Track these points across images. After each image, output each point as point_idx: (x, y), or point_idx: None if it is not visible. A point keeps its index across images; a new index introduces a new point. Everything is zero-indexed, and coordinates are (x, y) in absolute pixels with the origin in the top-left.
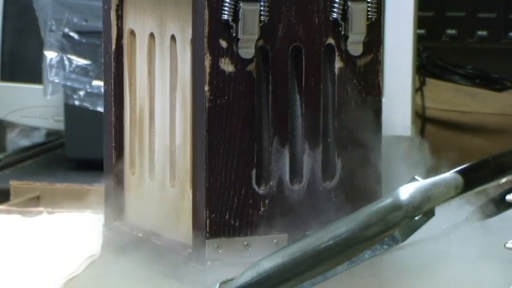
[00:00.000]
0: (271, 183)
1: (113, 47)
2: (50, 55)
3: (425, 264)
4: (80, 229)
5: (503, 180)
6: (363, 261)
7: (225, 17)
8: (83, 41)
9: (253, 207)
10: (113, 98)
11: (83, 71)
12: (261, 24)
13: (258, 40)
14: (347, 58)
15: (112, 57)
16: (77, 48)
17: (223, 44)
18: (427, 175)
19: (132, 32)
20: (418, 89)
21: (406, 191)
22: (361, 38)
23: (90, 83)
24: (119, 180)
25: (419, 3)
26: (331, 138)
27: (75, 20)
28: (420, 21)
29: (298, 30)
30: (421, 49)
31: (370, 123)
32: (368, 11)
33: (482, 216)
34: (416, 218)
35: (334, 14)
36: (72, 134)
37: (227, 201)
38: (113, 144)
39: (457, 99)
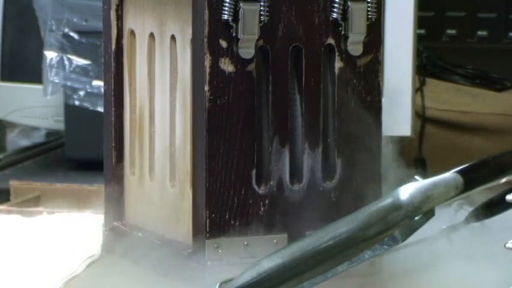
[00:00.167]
0: (271, 183)
1: (113, 47)
2: (50, 55)
3: (425, 264)
4: (80, 229)
5: (503, 180)
6: (363, 261)
7: (225, 17)
8: (83, 41)
9: (253, 207)
10: (113, 98)
11: (83, 71)
12: (261, 24)
13: (258, 40)
14: (347, 58)
15: (112, 57)
16: (77, 48)
17: (223, 44)
18: (427, 175)
19: (132, 32)
20: (418, 89)
21: (406, 191)
22: (361, 38)
23: (90, 83)
24: (119, 180)
25: (419, 3)
26: (331, 138)
27: (75, 20)
28: (420, 21)
29: (298, 30)
30: (421, 49)
31: (370, 123)
32: (368, 11)
33: (482, 216)
34: (416, 218)
35: (334, 14)
36: (72, 134)
37: (227, 201)
38: (113, 144)
39: (457, 99)
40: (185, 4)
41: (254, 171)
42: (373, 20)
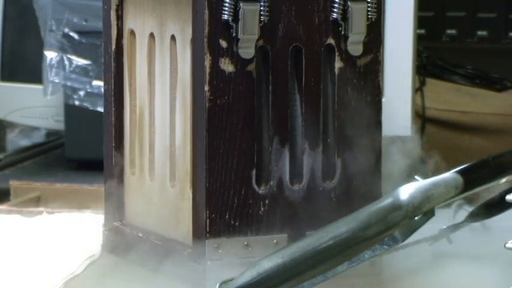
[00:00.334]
0: (271, 183)
1: (113, 47)
2: (50, 55)
3: (425, 264)
4: (80, 229)
5: (503, 180)
6: (363, 261)
7: (225, 17)
8: (83, 41)
9: (253, 207)
10: (113, 98)
11: (83, 71)
12: (261, 24)
13: (258, 40)
14: (347, 58)
15: (112, 57)
16: (77, 48)
17: (223, 44)
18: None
19: (132, 32)
20: (418, 89)
21: (406, 191)
22: (361, 38)
23: (90, 83)
24: (119, 180)
25: (419, 3)
26: (331, 138)
27: (75, 20)
28: (420, 21)
29: (298, 30)
30: (421, 49)
31: (370, 123)
32: (368, 11)
33: (482, 216)
34: (416, 218)
35: (334, 14)
36: (72, 134)
37: (227, 201)
38: (113, 145)
39: (457, 99)
40: (185, 4)
41: (254, 171)
42: (373, 20)
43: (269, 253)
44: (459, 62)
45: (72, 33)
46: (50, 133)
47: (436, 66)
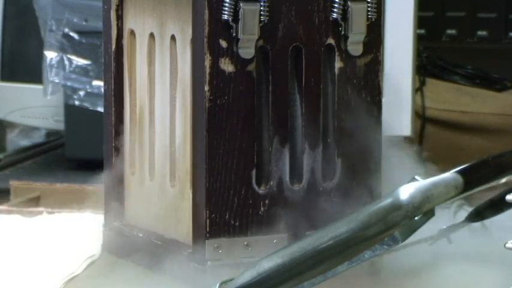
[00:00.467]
0: (271, 183)
1: (113, 47)
2: (50, 55)
3: (425, 264)
4: (80, 229)
5: (503, 180)
6: (363, 261)
7: (225, 17)
8: (83, 41)
9: (253, 207)
10: (113, 98)
11: (83, 71)
12: (261, 24)
13: (258, 40)
14: (347, 58)
15: (112, 57)
16: (77, 48)
17: (223, 44)
18: (427, 175)
19: (132, 32)
20: (418, 89)
21: (406, 191)
22: (361, 38)
23: (90, 83)
24: (119, 180)
25: (419, 3)
26: (331, 138)
27: (75, 20)
28: (420, 21)
29: (298, 30)
30: (421, 49)
31: (370, 123)
32: (368, 11)
33: (482, 216)
34: (416, 218)
35: (334, 14)
36: (72, 134)
37: (227, 201)
38: (113, 144)
39: (457, 99)
40: (185, 4)
41: (254, 171)
42: (373, 20)
43: (269, 253)
44: (459, 62)
45: (72, 33)
46: (50, 133)
47: (436, 66)
